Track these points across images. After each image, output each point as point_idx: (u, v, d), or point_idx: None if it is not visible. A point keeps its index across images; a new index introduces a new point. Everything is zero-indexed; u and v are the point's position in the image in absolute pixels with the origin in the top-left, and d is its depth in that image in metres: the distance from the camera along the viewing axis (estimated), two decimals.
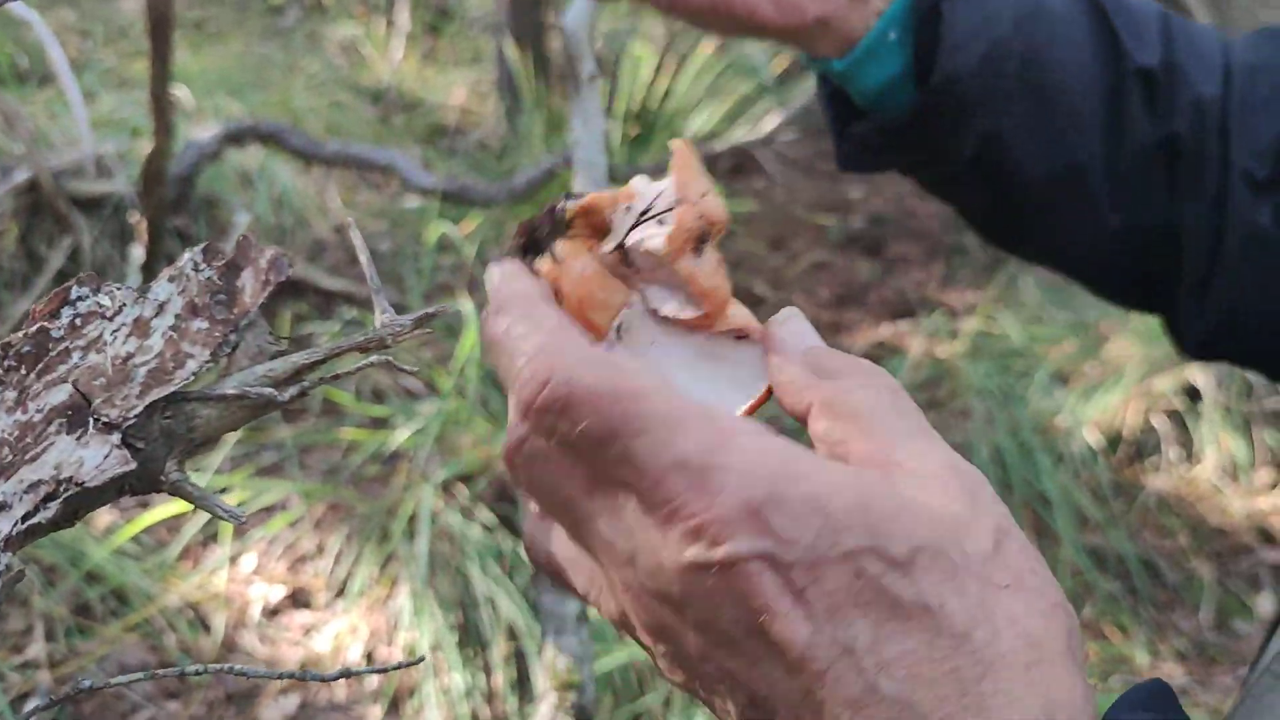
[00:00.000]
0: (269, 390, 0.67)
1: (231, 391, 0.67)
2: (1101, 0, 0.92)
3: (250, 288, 0.70)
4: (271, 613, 2.68)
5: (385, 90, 5.21)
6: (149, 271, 3.29)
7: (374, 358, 0.71)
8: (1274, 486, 3.37)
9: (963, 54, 0.88)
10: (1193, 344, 1.00)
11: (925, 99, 0.90)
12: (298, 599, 2.72)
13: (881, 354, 3.81)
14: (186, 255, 0.69)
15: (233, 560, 2.74)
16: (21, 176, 3.24)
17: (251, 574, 2.74)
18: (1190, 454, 3.44)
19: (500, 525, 2.78)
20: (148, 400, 0.65)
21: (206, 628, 2.58)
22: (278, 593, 2.70)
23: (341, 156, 3.65)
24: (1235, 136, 0.90)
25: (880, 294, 4.25)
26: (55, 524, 0.66)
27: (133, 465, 0.63)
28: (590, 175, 1.59)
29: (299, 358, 0.69)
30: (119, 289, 0.66)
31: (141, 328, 0.66)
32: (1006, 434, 3.26)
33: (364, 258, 0.72)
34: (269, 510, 2.82)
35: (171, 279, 0.68)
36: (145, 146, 3.51)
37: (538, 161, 3.95)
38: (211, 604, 2.63)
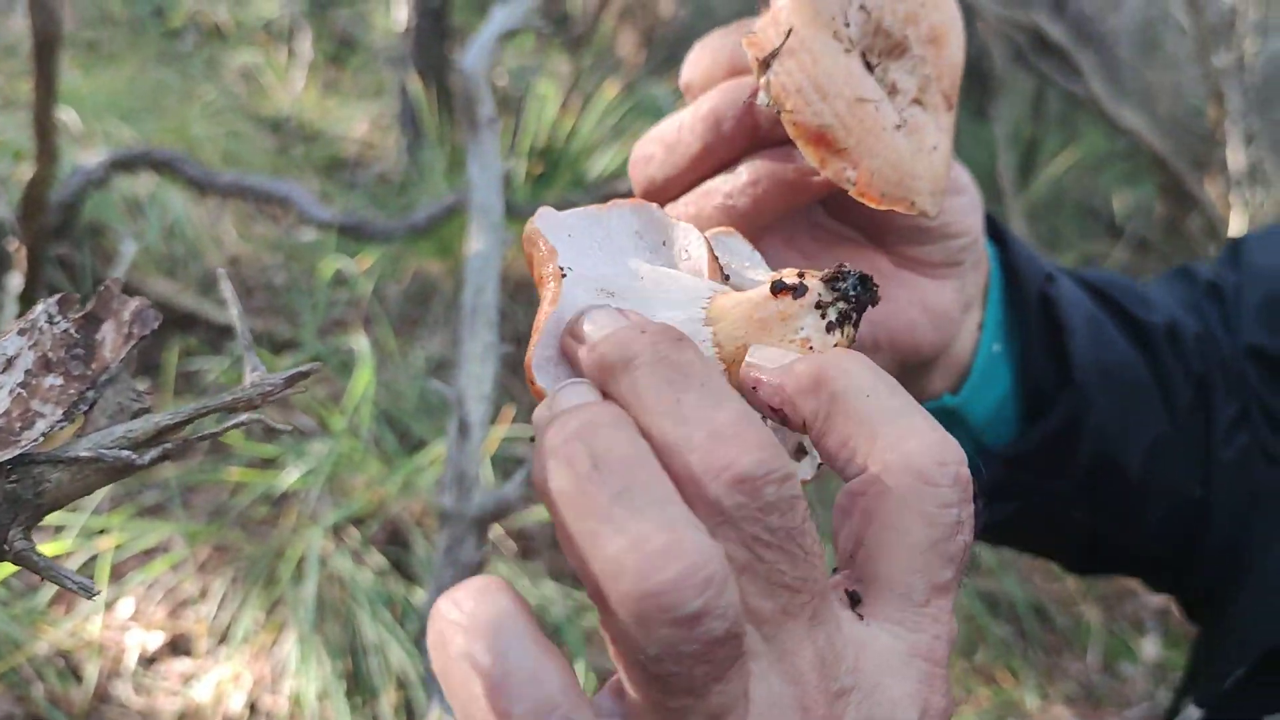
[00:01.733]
0: (126, 453, 0.62)
1: (85, 454, 0.62)
2: (1088, 280, 0.93)
3: (111, 341, 0.66)
4: (149, 661, 2.56)
5: (284, 120, 5.12)
6: (27, 301, 3.16)
7: (243, 417, 0.67)
8: None
9: (1080, 338, 0.85)
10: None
11: (1065, 401, 0.85)
12: (177, 646, 2.61)
13: None
14: (40, 306, 0.64)
15: (108, 606, 2.62)
16: None
17: (129, 620, 2.63)
18: None
19: (392, 569, 2.71)
20: None
21: (78, 677, 2.45)
22: (156, 639, 2.59)
23: (237, 187, 3.56)
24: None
25: None
26: None
27: None
28: (486, 219, 1.56)
29: (161, 418, 0.64)
30: None
31: None
32: None
33: (235, 310, 0.68)
34: (149, 553, 2.71)
35: (22, 332, 0.63)
36: (28, 171, 3.38)
37: (439, 197, 3.90)
38: (84, 652, 2.51)
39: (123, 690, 2.47)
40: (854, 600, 0.46)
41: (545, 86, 4.61)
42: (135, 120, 4.41)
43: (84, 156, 3.62)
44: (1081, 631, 3.19)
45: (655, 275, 0.54)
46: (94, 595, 0.62)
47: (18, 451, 0.61)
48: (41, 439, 0.62)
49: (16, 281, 3.11)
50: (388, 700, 2.44)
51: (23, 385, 0.62)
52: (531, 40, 5.44)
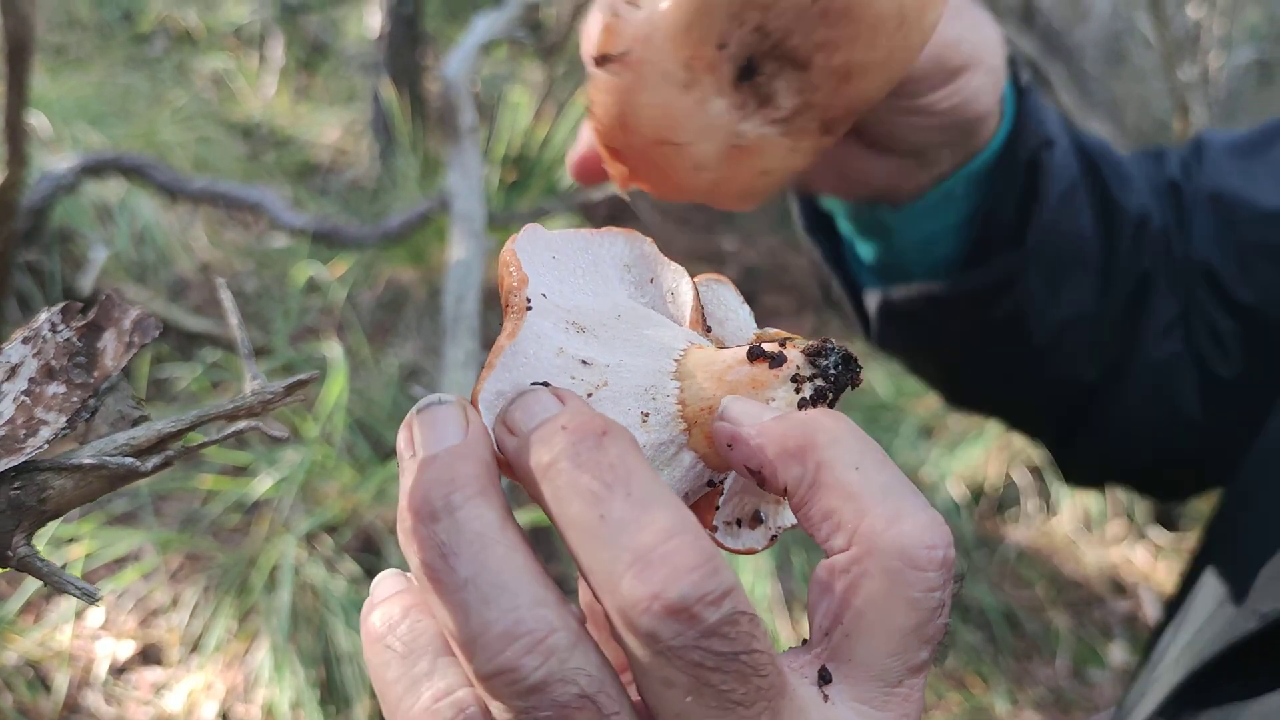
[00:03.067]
0: (130, 460, 0.63)
1: (89, 461, 0.63)
2: (1085, 145, 0.94)
3: (112, 349, 0.66)
4: (119, 670, 2.54)
5: (256, 126, 5.10)
6: None
7: (242, 424, 0.67)
8: (1124, 539, 3.50)
9: (1048, 208, 0.88)
10: (1084, 474, 1.07)
11: (1014, 253, 0.89)
12: (149, 655, 2.59)
13: None
14: (43, 315, 0.65)
15: (78, 615, 2.60)
16: None
17: (99, 629, 2.60)
18: (1048, 507, 3.55)
19: (365, 577, 2.70)
20: None
21: (47, 687, 2.43)
22: (126, 649, 2.57)
23: (208, 193, 3.54)
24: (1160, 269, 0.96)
25: None
26: None
27: None
28: (468, 227, 1.57)
29: (163, 425, 0.64)
30: None
31: None
32: None
33: (234, 320, 0.68)
34: (120, 561, 2.69)
35: (26, 340, 0.64)
36: None
37: (413, 204, 3.90)
38: (54, 661, 2.48)
39: (93, 700, 2.44)
40: (823, 678, 0.44)
41: (518, 94, 4.62)
42: (104, 125, 4.38)
43: (53, 161, 3.59)
44: (1050, 637, 3.23)
45: (634, 316, 0.52)
46: (97, 600, 0.62)
47: (23, 459, 0.61)
48: (45, 446, 0.62)
49: None
50: (362, 709, 2.43)
51: (27, 393, 0.62)
52: (505, 49, 5.44)
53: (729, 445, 0.47)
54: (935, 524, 0.43)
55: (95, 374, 0.65)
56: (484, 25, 1.83)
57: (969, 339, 0.95)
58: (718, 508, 0.51)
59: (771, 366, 0.48)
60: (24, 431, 0.61)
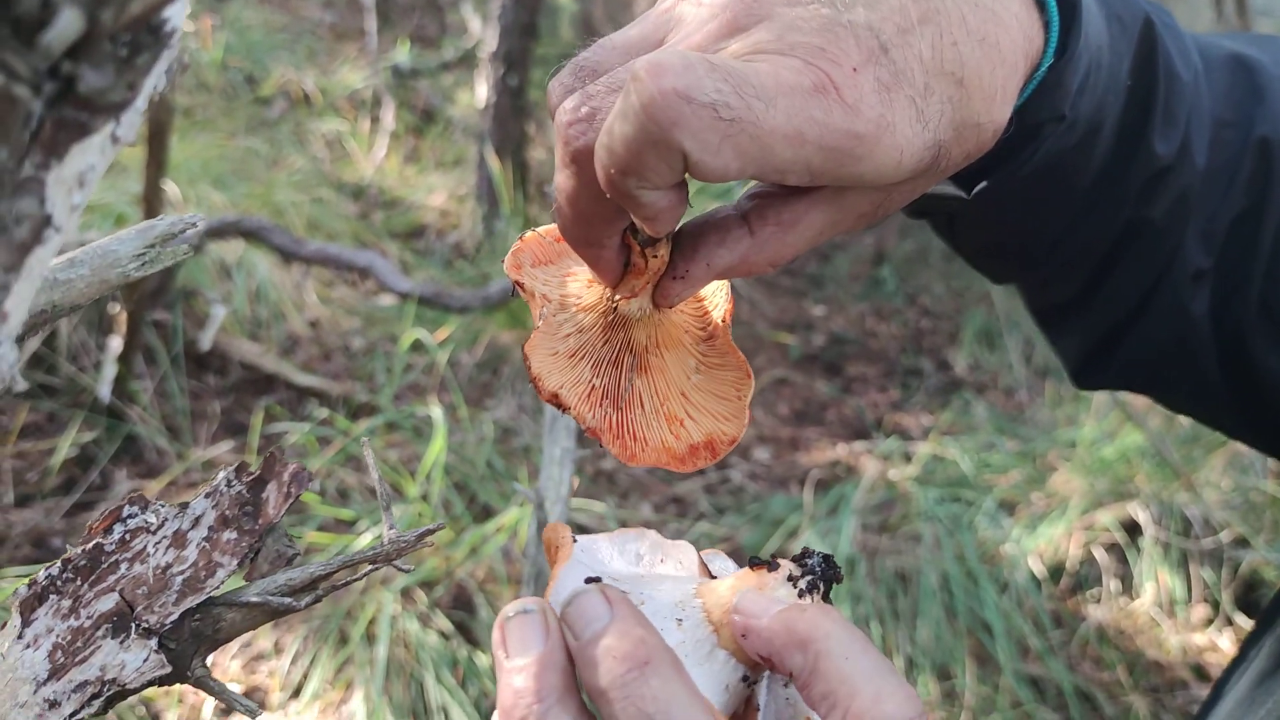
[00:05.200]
0: (288, 600, 0.75)
1: (255, 599, 0.76)
2: (1156, 68, 0.86)
3: (274, 499, 0.80)
4: (224, 712, 2.70)
5: (366, 187, 5.33)
6: (125, 360, 3.35)
7: (379, 565, 0.80)
8: (1209, 623, 3.48)
9: (1024, 176, 0.80)
10: (1081, 365, 1.02)
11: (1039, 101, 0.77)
12: (251, 698, 2.74)
13: (837, 474, 3.92)
14: (221, 474, 0.78)
15: None
16: None
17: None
18: (1129, 587, 3.55)
19: (456, 632, 2.83)
20: (183, 607, 0.73)
21: None
22: (232, 690, 2.72)
23: (321, 256, 3.75)
24: (1192, 217, 0.90)
25: (838, 412, 4.38)
26: (93, 717, 0.74)
27: (168, 669, 0.71)
28: None
29: (315, 569, 0.77)
30: (163, 506, 0.75)
31: (179, 540, 0.75)
32: (953, 560, 3.37)
33: (376, 475, 0.81)
34: None
35: (207, 495, 0.77)
36: None
37: None
38: (163, 701, 2.65)
39: None
40: None
41: None
42: (226, 186, 4.64)
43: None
44: None
45: (653, 575, 0.65)
46: (258, 715, 0.75)
47: (204, 597, 0.74)
48: (220, 585, 0.75)
49: (116, 344, 3.31)
50: None
51: (206, 540, 0.76)
52: None
53: (744, 635, 0.57)
54: (910, 699, 0.53)
55: (260, 521, 0.78)
56: None
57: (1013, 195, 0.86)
58: (758, 708, 0.62)
59: (770, 571, 0.60)
60: (204, 573, 0.74)
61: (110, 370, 3.32)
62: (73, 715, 0.68)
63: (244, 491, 0.78)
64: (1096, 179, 0.85)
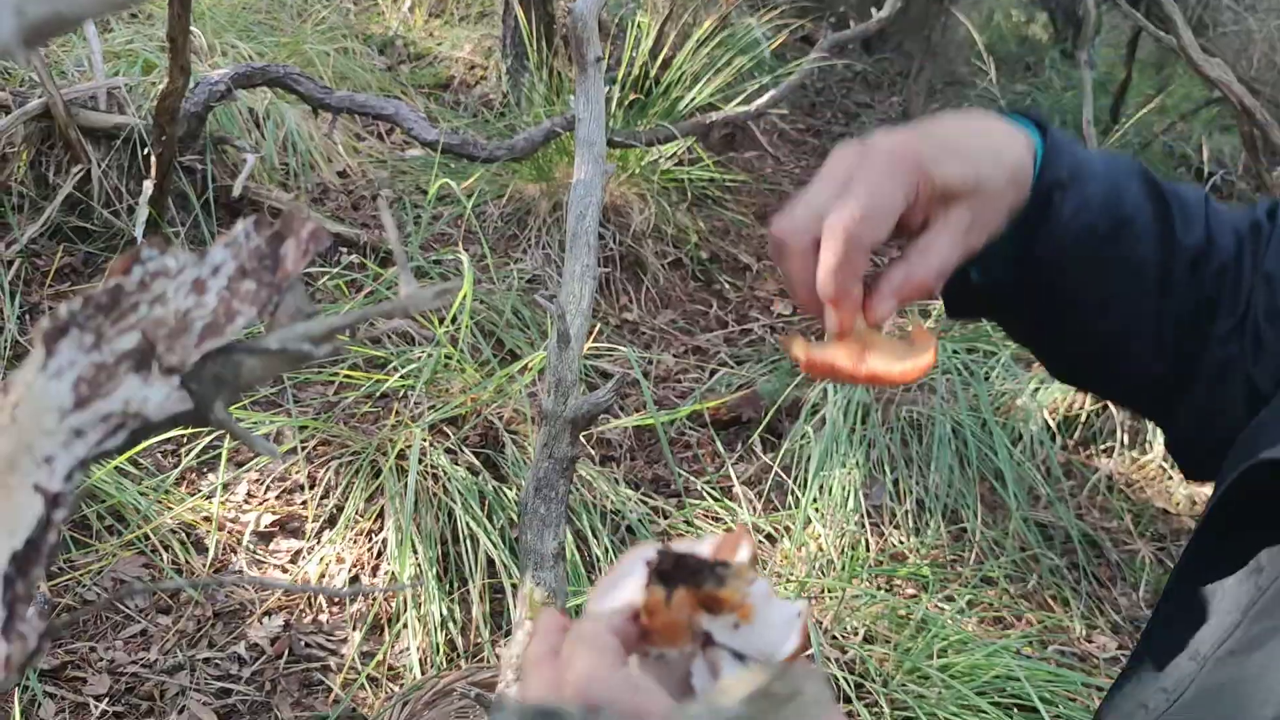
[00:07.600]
0: (307, 346, 0.81)
1: (274, 346, 0.81)
2: (1162, 190, 1.00)
3: (292, 255, 0.84)
4: (262, 537, 2.83)
5: (393, 40, 5.30)
6: (157, 205, 3.41)
7: (396, 321, 0.85)
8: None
9: (1059, 238, 0.94)
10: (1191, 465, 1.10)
11: (1022, 271, 0.96)
12: (287, 527, 2.87)
13: None
14: (239, 225, 0.82)
15: (225, 487, 2.89)
16: (35, 104, 3.33)
17: (244, 501, 2.89)
18: (1140, 441, 3.60)
19: (483, 467, 2.92)
20: (204, 349, 0.78)
21: (200, 549, 2.73)
22: (268, 520, 2.85)
23: (348, 103, 3.76)
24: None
25: None
26: (119, 449, 0.80)
27: (189, 405, 0.77)
28: (590, 152, 1.72)
29: (332, 321, 0.82)
30: (182, 251, 0.80)
31: (199, 286, 0.79)
32: (967, 411, 3.42)
33: (391, 234, 0.86)
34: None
35: (226, 245, 0.82)
36: (158, 82, 3.61)
37: (538, 122, 4.06)
38: (205, 527, 2.78)
39: (239, 562, 2.74)
40: None
41: (643, 17, 4.72)
42: (253, 37, 4.63)
43: (207, 71, 3.84)
44: (1134, 566, 3.31)
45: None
46: (276, 455, 0.81)
47: (224, 341, 0.79)
48: (241, 332, 0.81)
49: (148, 186, 3.36)
50: (476, 584, 2.67)
51: (226, 288, 0.80)
52: None
53: None
54: None
55: (279, 274, 0.83)
56: None
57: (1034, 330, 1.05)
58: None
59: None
60: (224, 319, 0.79)
61: (143, 213, 3.38)
62: (98, 444, 0.74)
63: (262, 245, 0.83)
64: (1151, 269, 0.98)
